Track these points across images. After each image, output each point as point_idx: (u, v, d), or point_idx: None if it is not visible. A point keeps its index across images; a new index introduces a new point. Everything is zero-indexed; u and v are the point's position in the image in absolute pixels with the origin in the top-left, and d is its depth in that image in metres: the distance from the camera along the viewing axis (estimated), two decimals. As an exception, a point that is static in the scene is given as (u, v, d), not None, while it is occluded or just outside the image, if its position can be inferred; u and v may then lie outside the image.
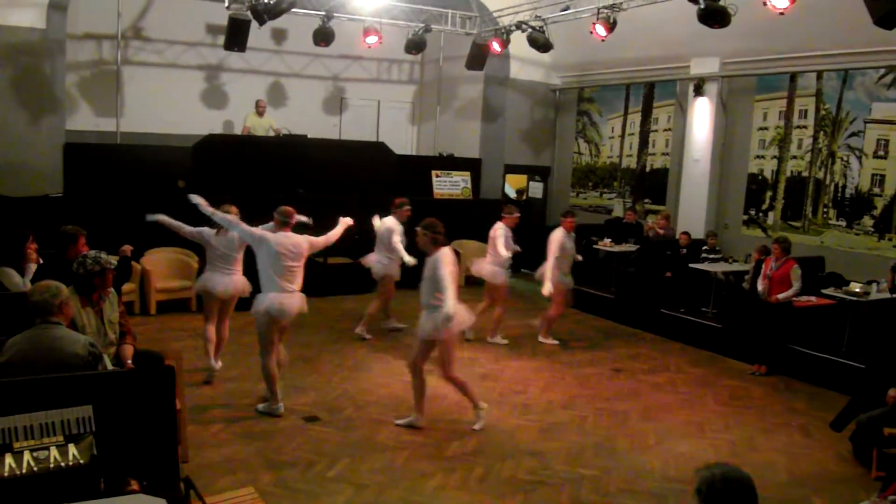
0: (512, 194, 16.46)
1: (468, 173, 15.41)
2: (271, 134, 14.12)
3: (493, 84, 15.97)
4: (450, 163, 15.60)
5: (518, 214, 10.35)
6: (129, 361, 5.59)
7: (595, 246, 13.04)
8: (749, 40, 11.72)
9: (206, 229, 8.03)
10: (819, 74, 11.67)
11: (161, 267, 11.01)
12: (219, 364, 8.28)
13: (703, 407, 8.17)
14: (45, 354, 4.33)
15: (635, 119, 14.97)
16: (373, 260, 10.29)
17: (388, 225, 10.16)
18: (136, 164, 12.22)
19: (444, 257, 6.76)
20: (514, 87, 15.96)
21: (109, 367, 4.93)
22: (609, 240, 12.97)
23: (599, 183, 15.87)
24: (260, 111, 14.19)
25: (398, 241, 9.96)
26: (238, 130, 14.51)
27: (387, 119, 16.87)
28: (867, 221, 11.09)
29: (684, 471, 6.37)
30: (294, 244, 7.17)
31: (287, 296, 7.11)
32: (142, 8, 14.04)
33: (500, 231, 10.06)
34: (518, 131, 16.23)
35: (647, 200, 14.77)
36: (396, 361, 9.17)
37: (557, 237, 10.07)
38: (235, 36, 12.45)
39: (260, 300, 7.10)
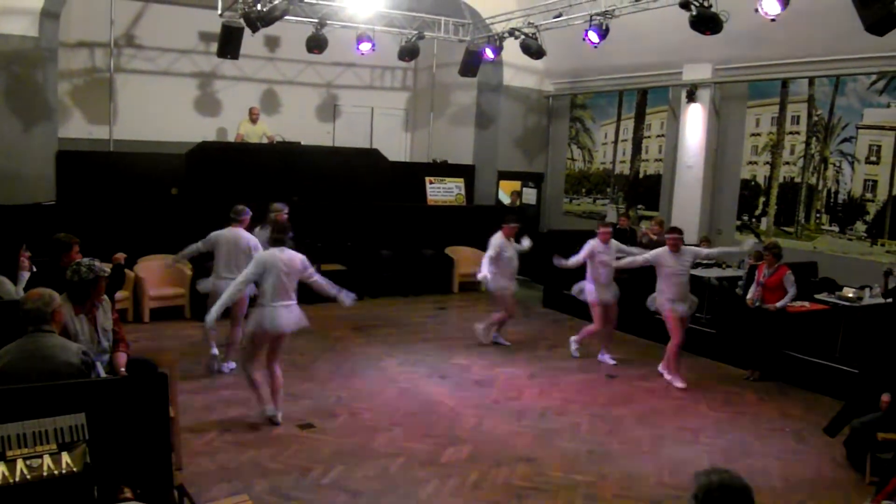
0: (506, 200, 16.47)
1: (462, 180, 15.44)
2: (265, 141, 14.12)
3: (486, 91, 16.00)
4: (443, 169, 15.64)
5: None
6: (123, 369, 5.57)
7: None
8: (741, 47, 11.77)
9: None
10: (811, 80, 11.71)
11: (154, 274, 10.98)
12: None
13: (697, 412, 8.17)
14: (37, 363, 4.32)
15: (628, 125, 15.00)
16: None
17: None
18: (129, 172, 12.22)
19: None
20: (508, 93, 15.99)
21: (103, 374, 4.92)
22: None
23: (593, 189, 15.89)
24: (253, 118, 14.19)
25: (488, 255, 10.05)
26: (231, 138, 14.52)
27: (380, 126, 16.93)
28: (860, 227, 11.12)
29: (679, 476, 6.37)
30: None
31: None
32: (134, 16, 14.05)
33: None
34: (511, 138, 16.26)
35: (640, 206, 14.80)
36: (390, 369, 9.18)
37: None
38: (228, 43, 12.44)
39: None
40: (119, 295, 9.97)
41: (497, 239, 10.17)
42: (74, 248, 6.42)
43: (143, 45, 14.24)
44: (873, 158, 10.94)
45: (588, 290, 9.84)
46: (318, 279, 7.37)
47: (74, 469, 3.72)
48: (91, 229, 10.01)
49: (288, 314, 7.13)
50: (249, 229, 8.80)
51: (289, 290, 7.14)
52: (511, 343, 10.54)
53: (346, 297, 7.44)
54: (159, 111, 14.06)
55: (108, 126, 13.66)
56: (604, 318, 9.82)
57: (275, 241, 7.25)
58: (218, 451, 6.52)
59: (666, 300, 9.03)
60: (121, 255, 6.92)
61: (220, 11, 12.01)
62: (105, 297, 5.67)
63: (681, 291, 9.04)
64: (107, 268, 5.75)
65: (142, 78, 14.25)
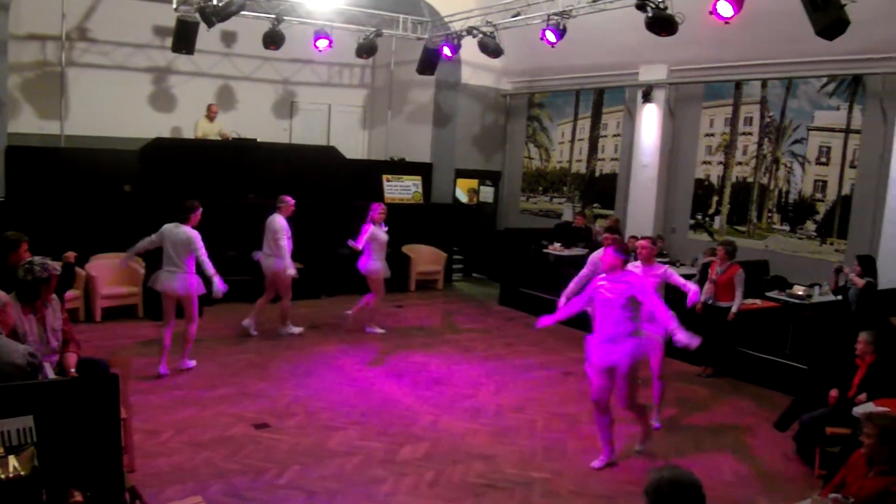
0: (463, 199, 16.51)
1: (419, 177, 15.44)
2: (218, 139, 13.95)
3: (444, 89, 16.00)
4: (401, 167, 15.62)
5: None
6: (73, 370, 5.48)
7: (545, 250, 13.14)
8: (696, 48, 11.93)
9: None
10: (764, 82, 11.92)
11: (106, 273, 10.80)
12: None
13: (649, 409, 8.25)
14: (-19, 365, 4.23)
15: (585, 125, 15.12)
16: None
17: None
18: (81, 168, 11.98)
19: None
20: (466, 91, 16.01)
21: (51, 375, 4.83)
22: (559, 244, 13.09)
23: (549, 188, 15.99)
24: (211, 116, 14.00)
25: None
26: (186, 134, 14.33)
27: (338, 123, 16.84)
28: (810, 226, 11.34)
29: (633, 472, 6.45)
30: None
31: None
32: (87, 9, 13.77)
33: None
34: (469, 136, 16.29)
35: (596, 205, 14.92)
36: (347, 368, 9.15)
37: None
38: (183, 38, 12.28)
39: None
40: (70, 294, 9.82)
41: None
42: (23, 246, 6.29)
43: (96, 39, 13.96)
44: (823, 159, 11.16)
45: None
46: (200, 257, 8.26)
47: (22, 473, 3.64)
48: (41, 227, 9.83)
49: (169, 278, 8.32)
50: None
51: (173, 259, 8.30)
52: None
53: (219, 287, 8.30)
54: (112, 106, 13.79)
55: (59, 121, 13.39)
56: None
57: (177, 218, 8.38)
58: (172, 451, 6.44)
59: None
60: (71, 254, 6.79)
61: (175, 5, 11.83)
62: (54, 296, 5.57)
63: None
64: (57, 266, 5.66)
65: (94, 72, 13.97)
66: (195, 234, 8.33)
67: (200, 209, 8.61)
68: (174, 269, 8.34)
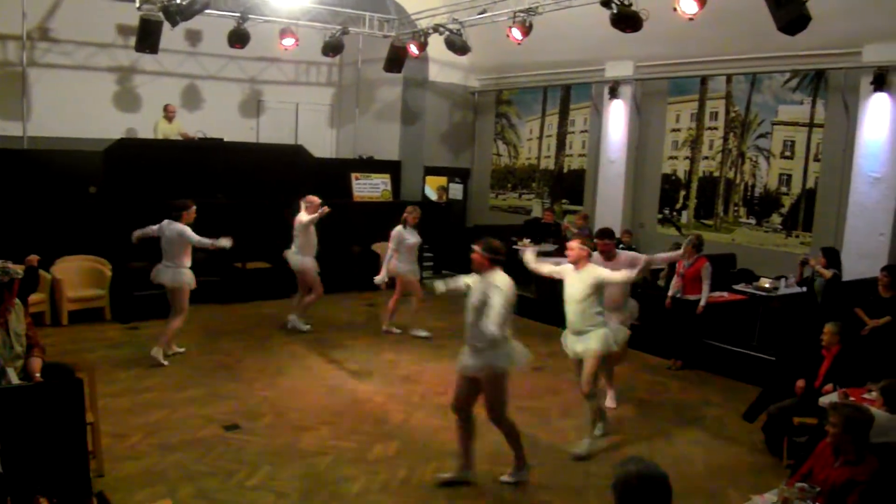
0: (432, 196, 16.49)
1: (388, 175, 15.41)
2: (180, 139, 13.81)
3: (411, 86, 15.98)
4: (369, 165, 15.57)
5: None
6: (38, 374, 5.40)
7: (514, 246, 13.15)
8: (661, 45, 12.02)
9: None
10: (728, 78, 12.04)
11: (72, 275, 10.67)
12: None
13: (621, 402, 8.31)
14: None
15: (553, 121, 15.18)
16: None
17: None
18: (45, 170, 11.79)
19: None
20: (433, 89, 15.99)
21: (15, 381, 4.76)
22: (528, 240, 13.11)
23: (518, 184, 16.03)
24: (169, 116, 13.84)
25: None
26: (151, 134, 14.16)
27: (305, 122, 16.75)
28: (775, 219, 11.48)
29: (604, 465, 6.49)
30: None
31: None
32: (48, 8, 13.57)
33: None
34: (437, 133, 16.28)
35: (565, 201, 14.99)
36: (317, 367, 9.12)
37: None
38: (147, 37, 12.15)
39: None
40: (35, 298, 9.70)
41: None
42: (-15, 249, 6.20)
43: (58, 39, 13.77)
44: (788, 153, 11.31)
45: None
46: (196, 242, 8.69)
47: (-14, 479, 3.60)
48: (4, 230, 9.69)
49: (164, 272, 8.76)
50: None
51: (168, 254, 8.75)
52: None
53: (225, 241, 8.70)
54: (76, 107, 13.62)
55: (21, 122, 13.17)
56: None
57: (171, 216, 8.75)
58: (142, 455, 6.37)
59: None
60: (34, 257, 6.71)
61: (137, 4, 11.72)
62: (17, 301, 5.49)
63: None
64: (20, 270, 5.57)
65: (57, 72, 13.78)
66: (185, 228, 8.75)
67: (194, 207, 8.96)
68: (168, 263, 8.80)
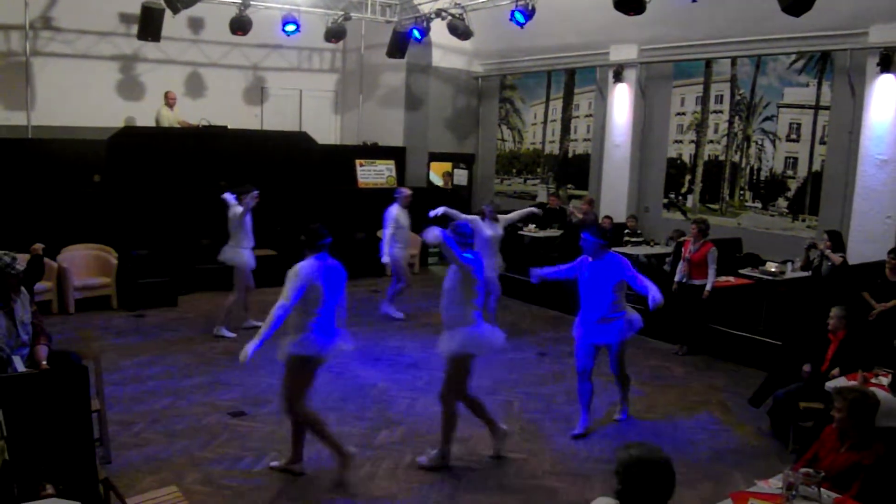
0: (437, 182, 16.46)
1: (392, 162, 15.38)
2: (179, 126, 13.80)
3: (415, 72, 15.93)
4: (373, 151, 15.55)
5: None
6: (44, 362, 5.41)
7: (520, 232, 13.14)
8: (665, 27, 11.95)
9: None
10: (733, 60, 11.96)
11: (78, 264, 10.69)
12: None
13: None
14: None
15: (557, 105, 15.12)
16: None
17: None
18: (49, 159, 11.81)
19: None
20: (437, 74, 15.94)
21: (21, 369, 4.77)
22: (533, 225, 13.09)
23: (523, 169, 15.99)
24: (170, 103, 13.81)
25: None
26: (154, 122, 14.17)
27: (309, 108, 16.74)
28: (781, 203, 11.44)
29: (609, 451, 6.49)
30: None
31: None
32: (50, -3, 13.57)
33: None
34: (441, 119, 16.23)
35: (570, 186, 14.95)
36: (323, 353, 9.12)
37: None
38: (149, 25, 12.14)
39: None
40: (42, 286, 9.74)
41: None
42: (-10, 239, 6.21)
43: (61, 28, 13.74)
44: (793, 136, 11.24)
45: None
46: (239, 219, 9.40)
47: (-8, 467, 3.61)
48: (9, 219, 9.71)
49: (225, 251, 9.45)
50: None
51: (229, 233, 9.43)
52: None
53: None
54: (80, 96, 13.62)
55: (25, 112, 13.19)
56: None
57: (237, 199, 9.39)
58: (148, 442, 6.40)
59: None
60: (38, 246, 6.71)
61: (139, -8, 11.69)
62: (23, 289, 5.49)
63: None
64: (22, 259, 5.57)
65: (60, 61, 13.76)
66: (238, 210, 9.42)
67: (256, 192, 9.53)
68: (231, 242, 9.53)
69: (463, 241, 5.94)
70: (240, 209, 9.55)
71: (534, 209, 11.15)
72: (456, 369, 6.07)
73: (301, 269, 5.60)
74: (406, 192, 10.87)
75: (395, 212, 10.71)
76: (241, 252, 9.65)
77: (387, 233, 10.65)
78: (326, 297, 5.69)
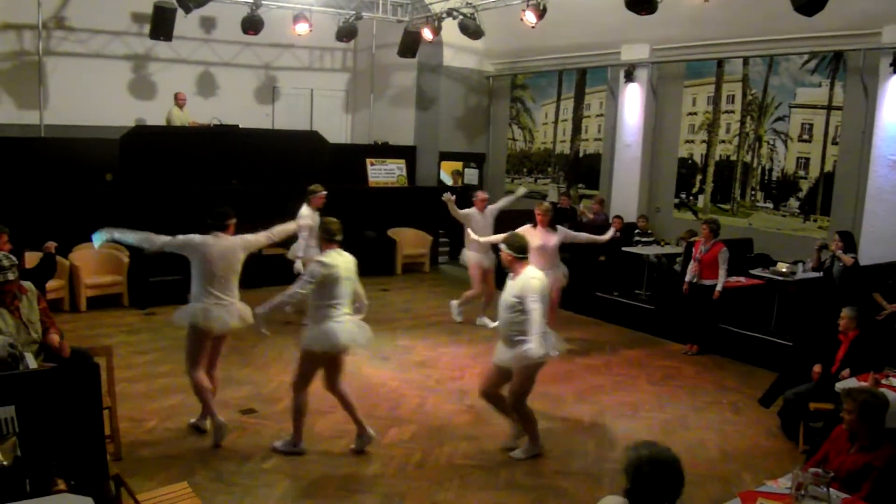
0: (448, 181, 16.47)
1: (403, 161, 15.39)
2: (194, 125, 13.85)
3: (426, 71, 15.94)
4: (384, 151, 15.57)
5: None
6: (58, 346, 5.38)
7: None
8: (677, 27, 11.92)
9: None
10: (745, 60, 11.93)
11: (90, 262, 10.75)
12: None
13: (636, 387, 8.31)
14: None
15: (568, 105, 15.10)
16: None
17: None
18: (62, 158, 11.87)
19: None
20: (448, 74, 15.94)
21: (33, 365, 4.80)
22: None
23: (534, 169, 15.98)
24: (180, 104, 13.87)
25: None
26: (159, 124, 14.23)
27: (320, 108, 16.79)
28: (793, 203, 11.39)
29: (618, 451, 6.48)
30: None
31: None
32: (63, -4, 13.65)
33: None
34: (452, 118, 16.23)
35: (580, 185, 14.93)
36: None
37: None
38: (161, 24, 12.20)
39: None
40: (54, 284, 9.81)
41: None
42: (3, 237, 6.25)
43: (74, 27, 13.83)
44: (805, 137, 11.20)
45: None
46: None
47: (5, 463, 3.64)
48: (22, 218, 9.75)
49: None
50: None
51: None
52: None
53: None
54: (92, 95, 13.70)
55: (38, 111, 13.28)
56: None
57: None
58: (158, 439, 6.44)
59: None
60: (51, 244, 6.76)
61: (151, -9, 11.75)
62: (29, 287, 5.49)
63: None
64: (34, 256, 5.60)
65: (73, 61, 13.85)
66: (301, 212, 9.53)
67: (323, 193, 9.88)
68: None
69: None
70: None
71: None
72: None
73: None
74: (482, 195, 10.61)
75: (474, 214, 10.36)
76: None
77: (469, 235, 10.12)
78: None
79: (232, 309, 6.53)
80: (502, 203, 10.78)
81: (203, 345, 6.45)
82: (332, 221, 6.18)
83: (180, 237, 6.41)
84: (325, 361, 6.25)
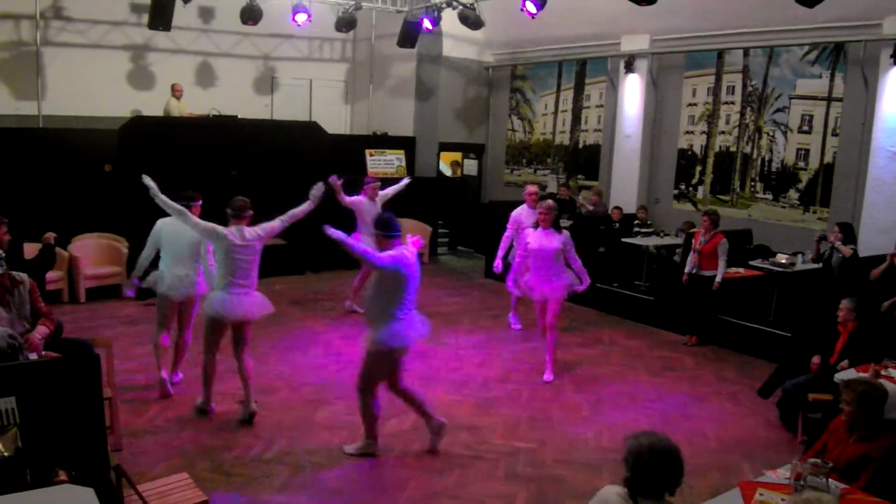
0: (447, 172, 16.47)
1: (402, 152, 15.37)
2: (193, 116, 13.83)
3: (425, 62, 15.90)
4: (384, 141, 15.55)
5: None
6: (37, 338, 5.27)
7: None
8: (678, 18, 11.89)
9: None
10: (746, 51, 11.90)
11: (89, 253, 10.75)
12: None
13: (635, 378, 8.33)
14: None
15: (568, 96, 15.07)
16: None
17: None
18: (61, 149, 11.87)
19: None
20: (447, 64, 15.90)
21: (32, 356, 4.80)
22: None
23: (534, 160, 15.96)
24: (177, 95, 13.83)
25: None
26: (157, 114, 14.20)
27: (319, 98, 16.75)
28: (793, 194, 11.39)
29: (618, 441, 6.47)
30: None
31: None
32: (61, -14, 13.60)
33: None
34: (452, 109, 16.19)
35: (580, 176, 14.92)
36: (331, 343, 9.15)
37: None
38: (160, 14, 12.16)
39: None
40: (53, 275, 9.81)
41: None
42: (2, 228, 6.23)
43: (72, 17, 13.76)
44: (805, 128, 11.18)
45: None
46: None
47: (6, 453, 3.65)
48: (21, 208, 9.74)
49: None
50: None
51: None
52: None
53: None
54: (90, 85, 13.66)
55: (36, 102, 13.24)
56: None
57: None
58: (159, 430, 6.45)
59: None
60: (51, 235, 6.74)
61: (150, -19, 11.70)
62: (24, 279, 5.44)
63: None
64: (34, 248, 5.58)
65: (71, 51, 13.79)
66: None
67: (377, 183, 10.35)
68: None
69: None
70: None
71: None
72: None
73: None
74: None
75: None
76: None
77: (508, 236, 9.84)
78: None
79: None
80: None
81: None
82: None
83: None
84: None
